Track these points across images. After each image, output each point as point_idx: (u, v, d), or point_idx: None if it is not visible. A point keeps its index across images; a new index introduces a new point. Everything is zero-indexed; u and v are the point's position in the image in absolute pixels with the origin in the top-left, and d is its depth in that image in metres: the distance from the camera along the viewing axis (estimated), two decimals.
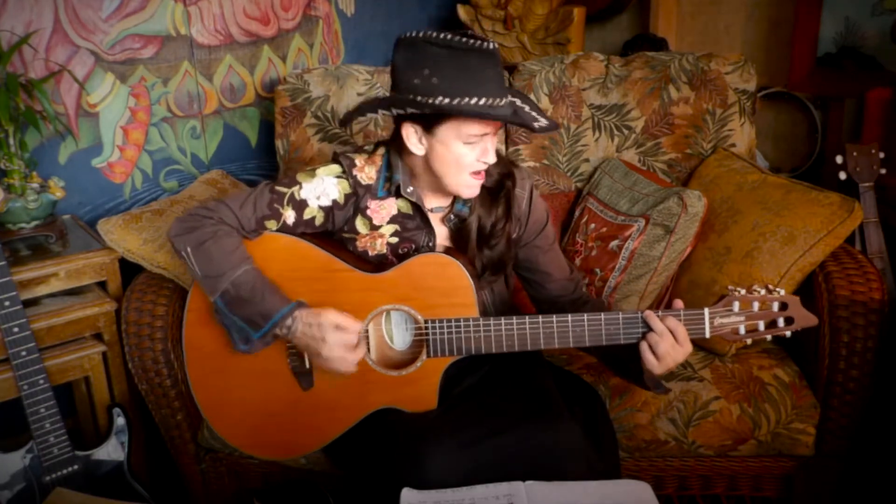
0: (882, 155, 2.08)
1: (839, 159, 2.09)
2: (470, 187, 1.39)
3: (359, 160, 1.46)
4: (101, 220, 1.78)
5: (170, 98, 2.21)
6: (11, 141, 1.71)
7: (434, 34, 1.28)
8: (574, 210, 2.06)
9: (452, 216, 1.48)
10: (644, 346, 1.34)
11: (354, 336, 1.36)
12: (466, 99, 1.27)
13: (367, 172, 1.45)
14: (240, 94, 2.37)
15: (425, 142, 1.36)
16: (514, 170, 1.50)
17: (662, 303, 1.84)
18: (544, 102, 2.08)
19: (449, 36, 1.27)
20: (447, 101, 1.27)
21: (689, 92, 2.03)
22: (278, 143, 2.14)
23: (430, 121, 1.33)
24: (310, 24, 2.53)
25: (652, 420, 1.64)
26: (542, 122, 1.37)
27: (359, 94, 2.09)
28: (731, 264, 1.70)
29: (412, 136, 1.37)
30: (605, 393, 1.65)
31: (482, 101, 1.27)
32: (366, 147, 1.51)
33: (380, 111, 1.35)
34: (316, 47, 2.57)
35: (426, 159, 1.39)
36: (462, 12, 2.86)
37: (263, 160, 2.47)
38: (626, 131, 2.07)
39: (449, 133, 1.33)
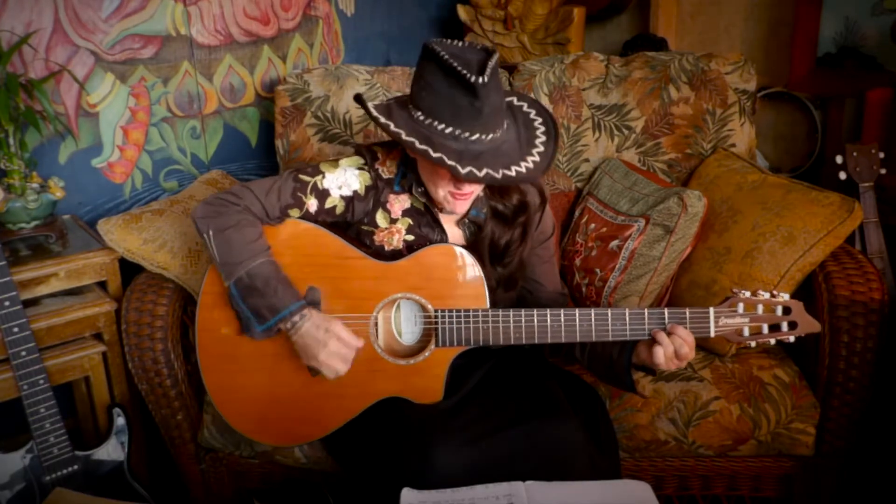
0: (882, 155, 2.08)
1: (839, 159, 2.09)
2: (450, 204, 1.39)
3: (380, 153, 1.48)
4: (101, 220, 1.78)
5: (170, 98, 2.21)
6: (11, 141, 1.71)
7: (435, 49, 1.24)
8: (574, 210, 2.06)
9: (467, 220, 1.49)
10: (657, 349, 1.34)
11: (352, 353, 1.38)
12: (441, 127, 1.25)
13: (389, 167, 1.48)
14: (240, 94, 2.37)
15: None
16: (535, 198, 1.50)
17: (662, 303, 1.84)
18: (544, 102, 2.08)
19: (444, 54, 1.23)
20: (417, 144, 1.25)
21: (689, 92, 2.03)
22: (278, 144, 2.14)
23: None
24: (310, 24, 2.53)
25: (652, 420, 1.64)
26: (512, 172, 1.25)
27: None
28: (731, 264, 1.70)
29: None
30: (605, 393, 1.65)
31: (454, 145, 1.24)
32: (387, 140, 1.52)
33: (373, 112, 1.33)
34: (316, 47, 2.57)
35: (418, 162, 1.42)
36: (462, 12, 2.86)
37: (263, 160, 2.47)
38: (626, 131, 2.07)
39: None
